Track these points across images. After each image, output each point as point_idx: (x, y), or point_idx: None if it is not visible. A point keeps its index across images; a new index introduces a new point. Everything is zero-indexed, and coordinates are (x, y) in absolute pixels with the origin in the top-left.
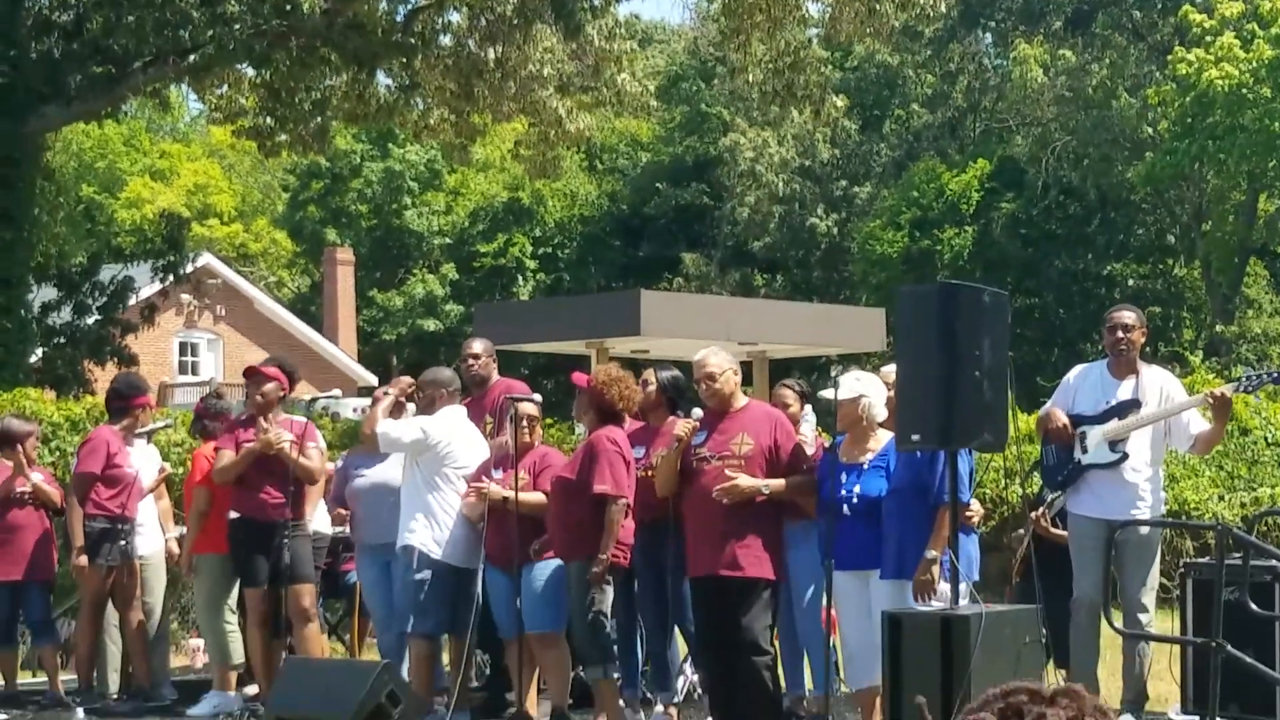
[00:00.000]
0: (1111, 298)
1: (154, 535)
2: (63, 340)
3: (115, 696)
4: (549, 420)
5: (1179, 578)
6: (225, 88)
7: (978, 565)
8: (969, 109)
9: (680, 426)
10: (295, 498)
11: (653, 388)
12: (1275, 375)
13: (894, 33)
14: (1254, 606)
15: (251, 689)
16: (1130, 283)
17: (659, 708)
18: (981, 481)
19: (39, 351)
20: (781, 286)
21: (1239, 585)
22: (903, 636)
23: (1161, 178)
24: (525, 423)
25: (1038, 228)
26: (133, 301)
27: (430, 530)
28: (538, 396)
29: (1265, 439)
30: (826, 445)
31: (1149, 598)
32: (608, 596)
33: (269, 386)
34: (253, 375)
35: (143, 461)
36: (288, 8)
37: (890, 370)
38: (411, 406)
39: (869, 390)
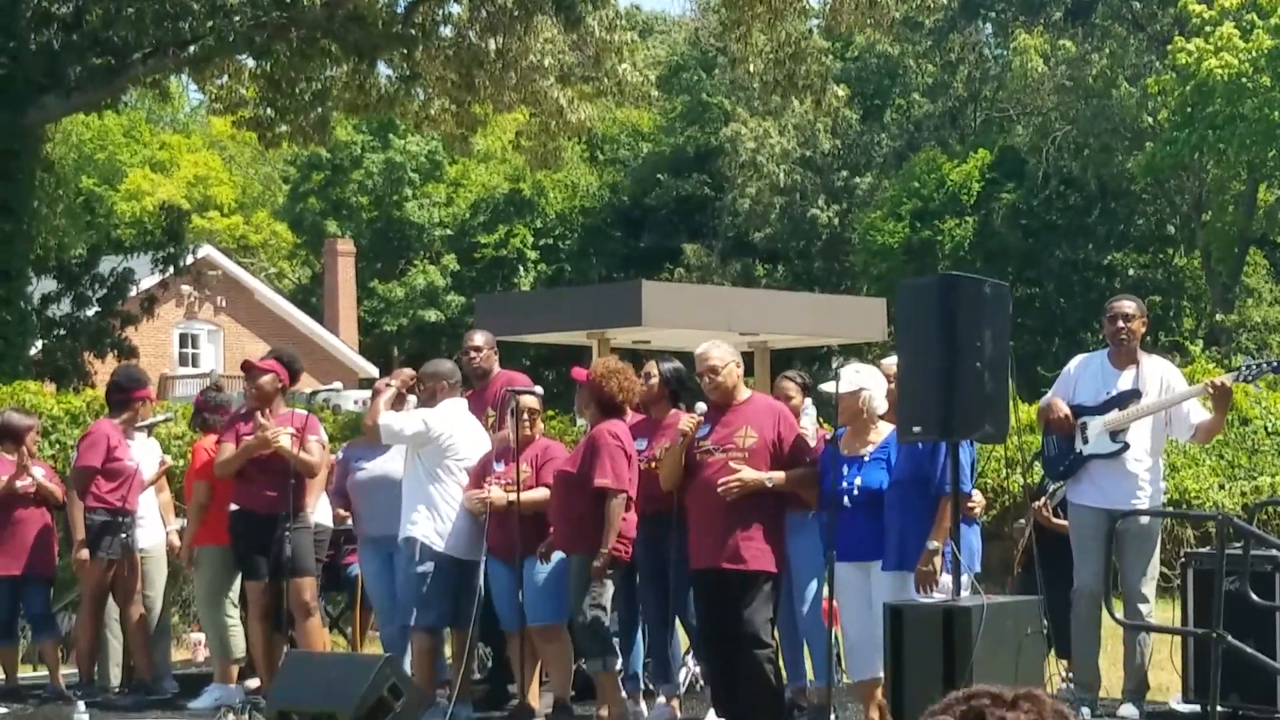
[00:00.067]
0: (1112, 287)
1: (155, 528)
2: (62, 333)
3: (116, 690)
4: (550, 412)
5: (1180, 568)
6: (225, 79)
7: (979, 556)
8: (969, 99)
9: (685, 421)
10: (295, 491)
11: (655, 380)
12: (1275, 364)
13: (894, 23)
14: (1254, 596)
15: (253, 682)
16: (1130, 272)
17: (661, 699)
18: (983, 471)
19: (39, 344)
20: (783, 277)
21: (1239, 575)
22: (904, 628)
23: (1161, 167)
24: (526, 415)
25: (1038, 218)
26: (133, 293)
27: (433, 522)
28: (539, 389)
29: (1265, 428)
30: (827, 437)
31: (1149, 588)
32: (608, 589)
33: (265, 379)
34: (249, 370)
35: (143, 454)
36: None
37: (891, 362)
38: (412, 399)
39: (868, 383)
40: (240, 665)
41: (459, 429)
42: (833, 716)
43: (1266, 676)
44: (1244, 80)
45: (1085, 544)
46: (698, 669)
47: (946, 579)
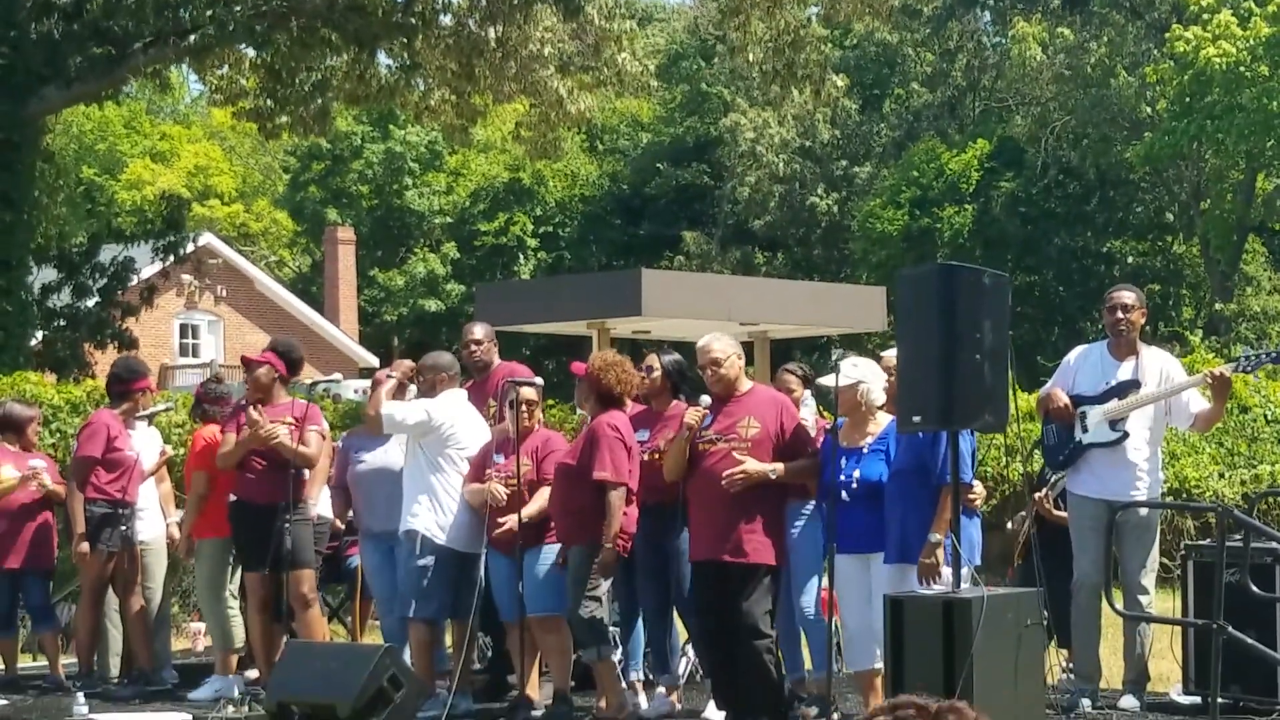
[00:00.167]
0: (1111, 275)
1: (155, 519)
2: (63, 323)
3: (116, 681)
4: (550, 401)
5: (1180, 559)
6: (226, 69)
7: (979, 548)
8: (968, 88)
9: (691, 414)
10: (295, 482)
11: (658, 373)
12: (1274, 355)
13: (893, 11)
14: (1255, 588)
15: (252, 673)
16: (1129, 260)
17: (660, 690)
18: (983, 460)
19: (39, 335)
20: (782, 264)
21: (1240, 567)
22: (904, 620)
23: (1160, 157)
24: (525, 407)
25: (1037, 206)
26: (133, 283)
27: (434, 514)
28: (539, 380)
29: (1265, 416)
30: (827, 427)
31: (1149, 579)
32: (604, 580)
33: (260, 371)
34: (246, 364)
35: (144, 445)
36: None
37: (891, 355)
38: (412, 389)
39: (866, 376)
40: (240, 655)
41: (461, 419)
42: (834, 710)
43: (1267, 668)
44: (1242, 69)
45: (1085, 535)
46: (696, 659)
47: (947, 571)
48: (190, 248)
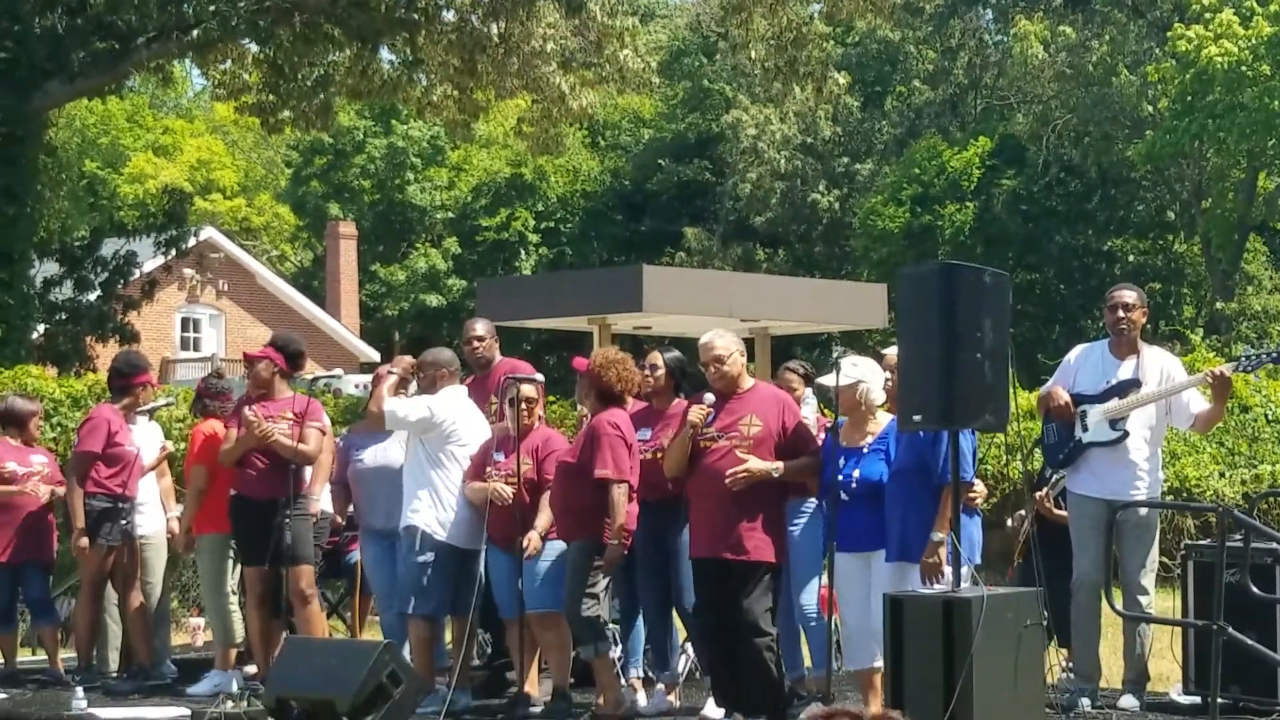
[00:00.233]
0: (1112, 273)
1: (155, 514)
2: (64, 317)
3: (115, 675)
4: (551, 398)
5: (1180, 559)
6: (229, 64)
7: (980, 547)
8: (970, 86)
9: (695, 412)
10: (295, 478)
11: (662, 372)
12: (1275, 354)
13: (895, 8)
14: (1255, 589)
15: (251, 668)
16: (1130, 258)
17: (660, 687)
18: (984, 458)
19: (41, 328)
20: (783, 261)
21: (1240, 567)
22: (904, 619)
23: (1161, 155)
24: (525, 405)
25: (1038, 204)
26: (135, 277)
27: (434, 510)
28: (539, 377)
29: (1265, 416)
30: (828, 425)
31: (1149, 579)
32: (602, 577)
33: (259, 366)
34: (248, 361)
35: (145, 439)
36: None
37: (893, 352)
38: (412, 386)
39: (865, 375)
40: (239, 651)
41: (462, 416)
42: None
43: (1267, 668)
44: (1244, 68)
45: (1084, 534)
46: (696, 657)
47: (948, 570)
48: (192, 242)
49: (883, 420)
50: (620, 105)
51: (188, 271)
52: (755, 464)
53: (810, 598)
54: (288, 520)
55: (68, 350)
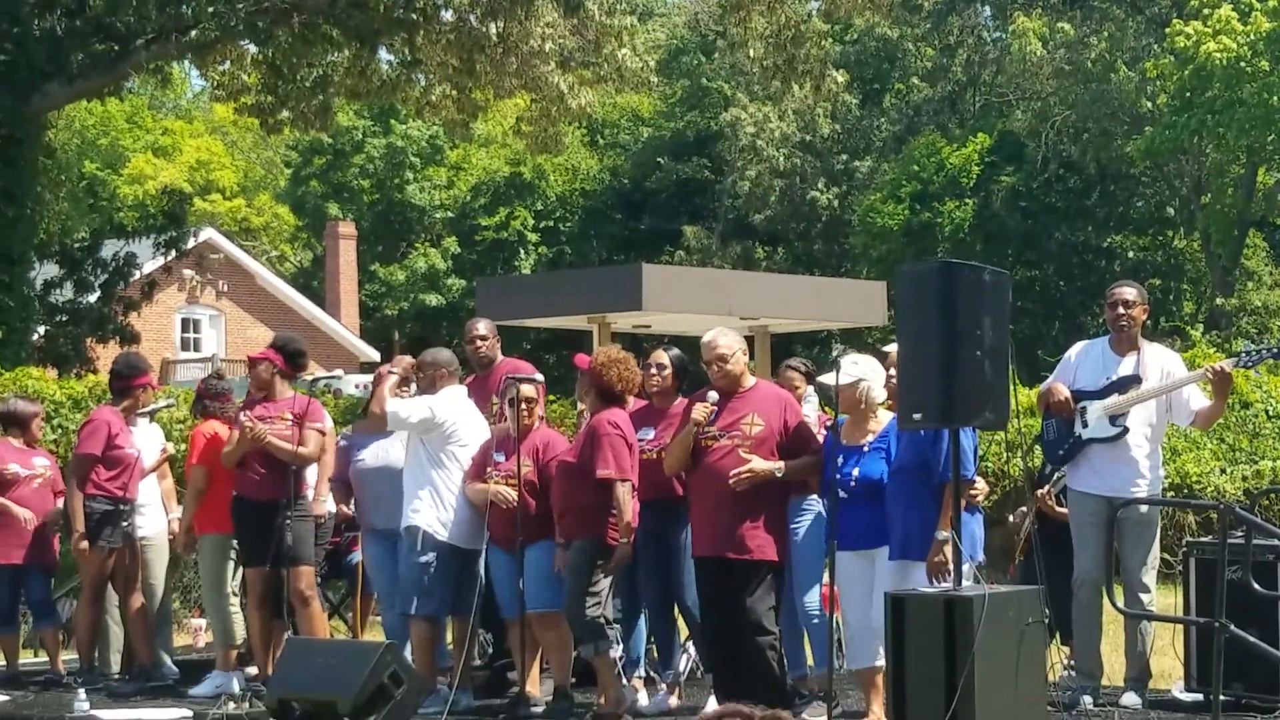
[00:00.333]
0: (1111, 270)
1: (156, 515)
2: (65, 318)
3: (117, 677)
4: (551, 397)
5: (1182, 556)
6: (228, 65)
7: (982, 545)
8: (968, 83)
9: (698, 410)
10: (296, 479)
11: (669, 371)
12: (1275, 350)
13: (893, 6)
14: (1257, 585)
15: (253, 669)
16: (1130, 255)
17: (661, 686)
18: (984, 456)
19: (41, 330)
20: (783, 258)
21: (1241, 564)
22: (906, 617)
23: (1161, 151)
24: (525, 405)
25: (1038, 200)
26: (135, 278)
27: (435, 510)
28: (539, 376)
29: (1266, 412)
30: (828, 425)
31: (1150, 576)
32: (604, 577)
33: (260, 368)
34: (250, 363)
35: (146, 441)
36: None
37: (895, 349)
38: (413, 386)
39: (867, 374)
40: (240, 651)
41: (462, 416)
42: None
43: (1269, 665)
44: (1243, 64)
45: (1085, 531)
46: (697, 656)
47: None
48: (192, 243)
49: (884, 419)
50: (619, 104)
51: (187, 272)
52: (758, 464)
53: (813, 597)
54: (288, 522)
55: (68, 352)
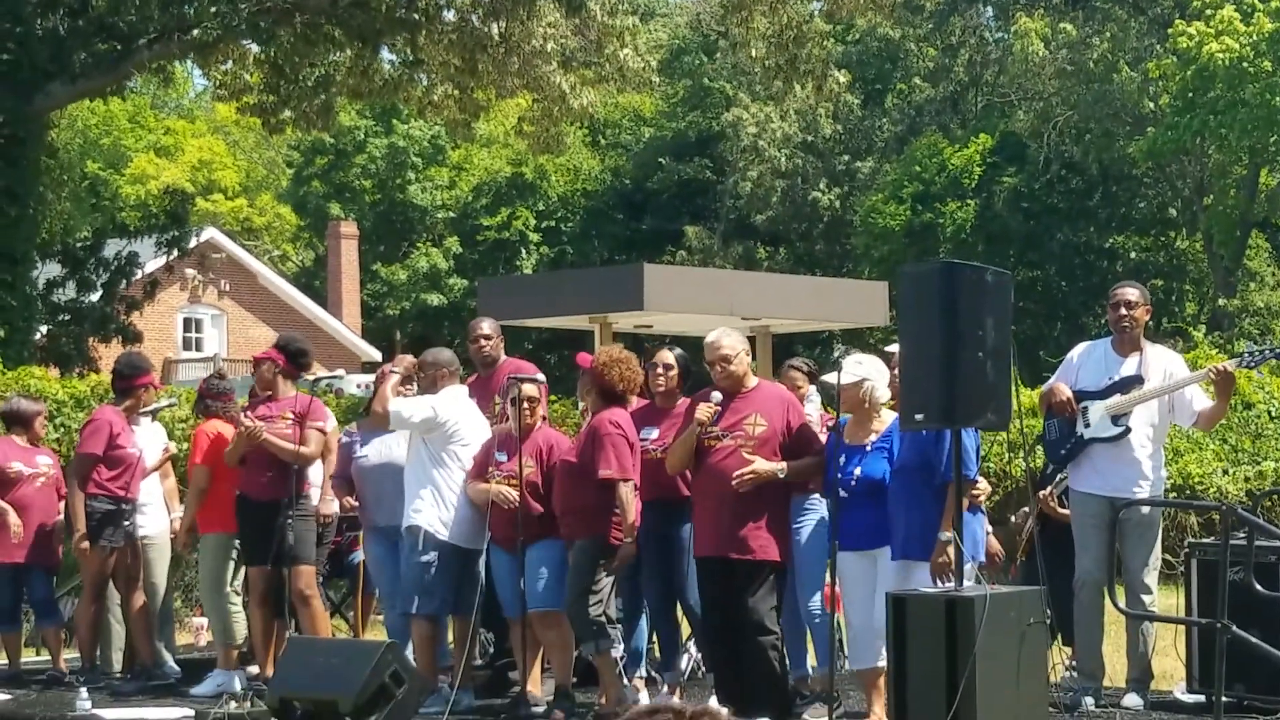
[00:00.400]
0: (1114, 271)
1: (159, 515)
2: (67, 318)
3: (119, 675)
4: (552, 397)
5: (1184, 557)
6: (230, 64)
7: (984, 545)
8: (970, 83)
9: (703, 410)
10: (297, 478)
11: (675, 371)
12: (1278, 351)
13: (895, 6)
14: (1259, 586)
15: (254, 668)
16: (1132, 255)
17: (663, 686)
18: (986, 456)
19: (43, 329)
20: (784, 259)
21: (1244, 565)
22: (907, 618)
23: (1163, 152)
24: (527, 404)
25: (1039, 201)
26: (137, 277)
27: (437, 510)
28: (541, 376)
29: (1269, 413)
30: (830, 424)
31: (1151, 577)
32: (606, 576)
33: (263, 367)
34: (255, 363)
35: (148, 441)
36: None
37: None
38: (414, 385)
39: (871, 373)
40: (242, 651)
41: (464, 415)
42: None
43: (1271, 666)
44: (1245, 65)
45: (1087, 532)
46: (699, 655)
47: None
48: (194, 242)
49: (887, 418)
50: (621, 104)
51: (190, 272)
52: (761, 465)
53: (817, 597)
54: (289, 521)
55: (70, 351)
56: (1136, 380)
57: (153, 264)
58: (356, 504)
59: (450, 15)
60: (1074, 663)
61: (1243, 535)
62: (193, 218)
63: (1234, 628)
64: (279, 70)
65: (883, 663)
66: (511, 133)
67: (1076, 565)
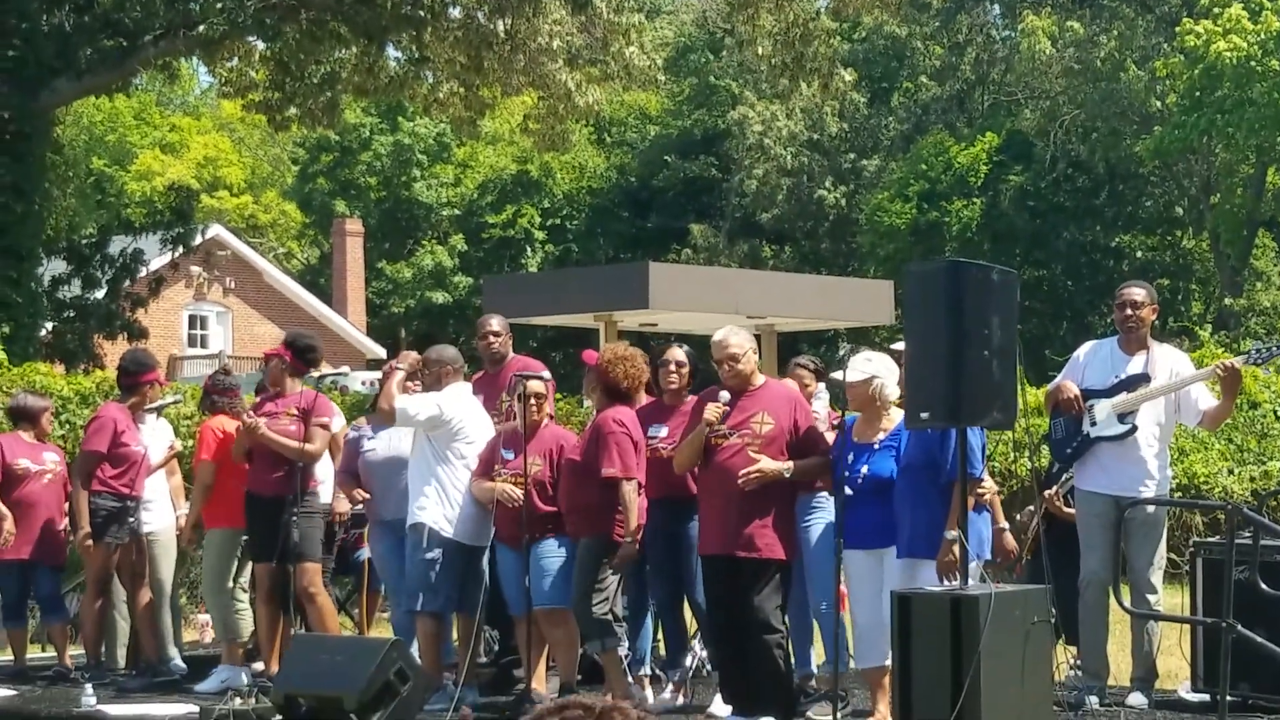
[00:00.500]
0: (1120, 270)
1: (164, 511)
2: (72, 314)
3: (124, 671)
4: (557, 396)
5: (1189, 556)
6: (235, 61)
7: (989, 544)
8: (977, 81)
9: (710, 410)
10: (303, 475)
11: (686, 370)
12: None
13: (902, 4)
14: (1264, 586)
15: (260, 664)
16: (1139, 254)
17: (668, 684)
18: (991, 455)
19: (49, 325)
20: (790, 257)
21: (1249, 565)
22: (912, 616)
23: (1170, 151)
24: (534, 401)
25: (1046, 200)
26: (142, 274)
27: (441, 507)
28: (547, 374)
29: (1275, 412)
30: (835, 421)
31: (1156, 576)
32: (612, 574)
33: (271, 364)
34: (266, 359)
35: (154, 437)
36: None
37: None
38: (418, 383)
39: (880, 371)
40: (247, 647)
41: (469, 413)
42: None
43: (1276, 666)
44: (1253, 63)
45: (1092, 531)
46: (704, 653)
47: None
48: (199, 239)
49: (896, 416)
50: (626, 102)
51: (195, 269)
52: (767, 464)
53: (826, 596)
54: (295, 518)
55: (75, 348)
56: (1143, 379)
57: (158, 261)
58: (368, 498)
59: (456, 12)
60: (1079, 662)
61: (1248, 534)
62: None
63: (1239, 627)
64: (284, 67)
65: (888, 661)
66: (517, 130)
67: (1082, 564)
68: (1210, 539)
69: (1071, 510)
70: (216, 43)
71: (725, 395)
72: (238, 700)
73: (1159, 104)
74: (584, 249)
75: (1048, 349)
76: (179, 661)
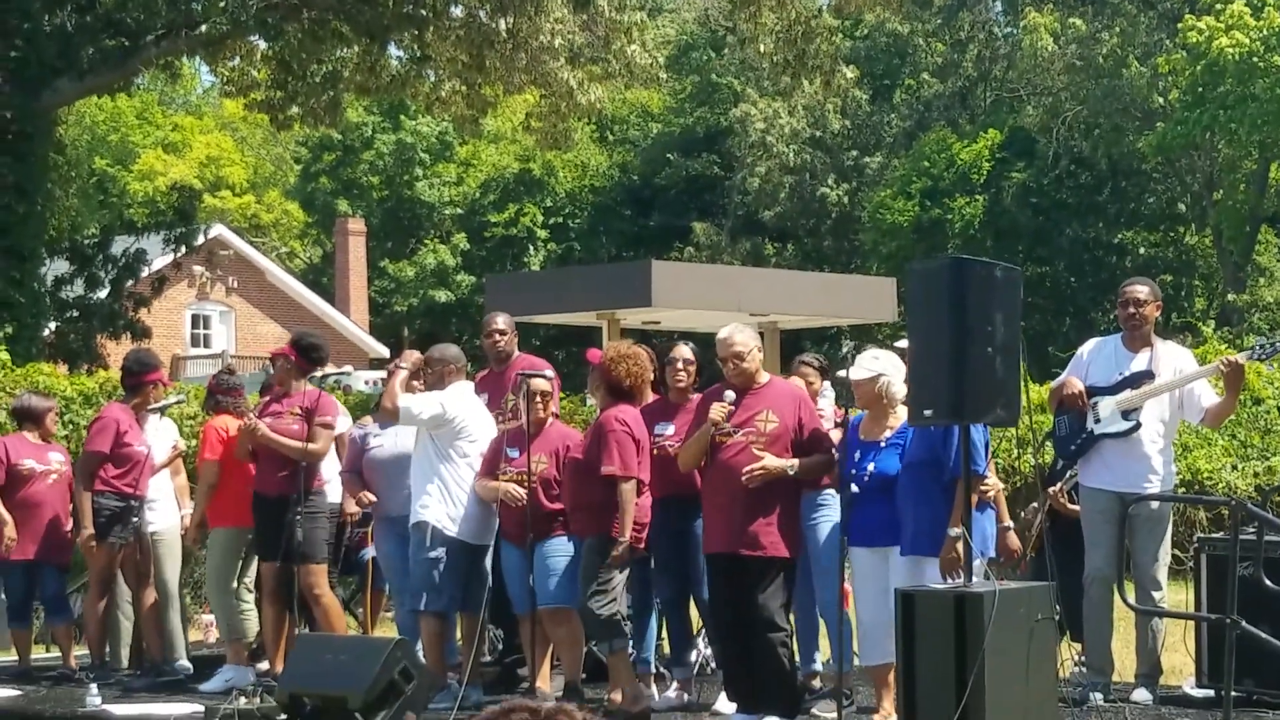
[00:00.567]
0: (1123, 266)
1: (169, 511)
2: (75, 314)
3: (128, 671)
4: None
5: (1193, 552)
6: (237, 60)
7: (993, 541)
8: (979, 78)
9: (716, 410)
10: (308, 474)
11: (694, 367)
12: None
13: (904, 2)
14: (1268, 582)
15: (265, 664)
16: (1141, 251)
17: (673, 682)
18: (995, 452)
19: (51, 326)
20: (792, 255)
21: (1253, 561)
22: (916, 614)
23: (1172, 147)
24: (538, 399)
25: (1049, 196)
26: (145, 274)
27: (445, 506)
28: (551, 372)
29: (1278, 408)
30: (839, 420)
31: (1161, 573)
32: (618, 574)
33: (276, 364)
34: (272, 359)
35: (157, 437)
36: None
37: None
38: (421, 382)
39: (887, 369)
40: (252, 647)
41: (472, 412)
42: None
43: None
44: (1255, 59)
45: (1097, 528)
46: (709, 651)
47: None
48: (201, 239)
49: (903, 414)
50: (628, 100)
51: (197, 268)
52: (771, 462)
53: (832, 594)
54: (299, 518)
55: (79, 348)
56: (1147, 375)
57: (160, 260)
58: (375, 500)
59: (458, 11)
60: (1083, 658)
61: (1252, 530)
62: (200, 214)
63: (1243, 623)
64: (287, 66)
65: (893, 658)
66: (519, 129)
67: (1086, 561)
68: (1214, 535)
69: (1075, 507)
70: (218, 42)
71: (730, 394)
72: (243, 700)
73: (1161, 100)
74: (586, 247)
75: (1051, 346)
76: (184, 662)
